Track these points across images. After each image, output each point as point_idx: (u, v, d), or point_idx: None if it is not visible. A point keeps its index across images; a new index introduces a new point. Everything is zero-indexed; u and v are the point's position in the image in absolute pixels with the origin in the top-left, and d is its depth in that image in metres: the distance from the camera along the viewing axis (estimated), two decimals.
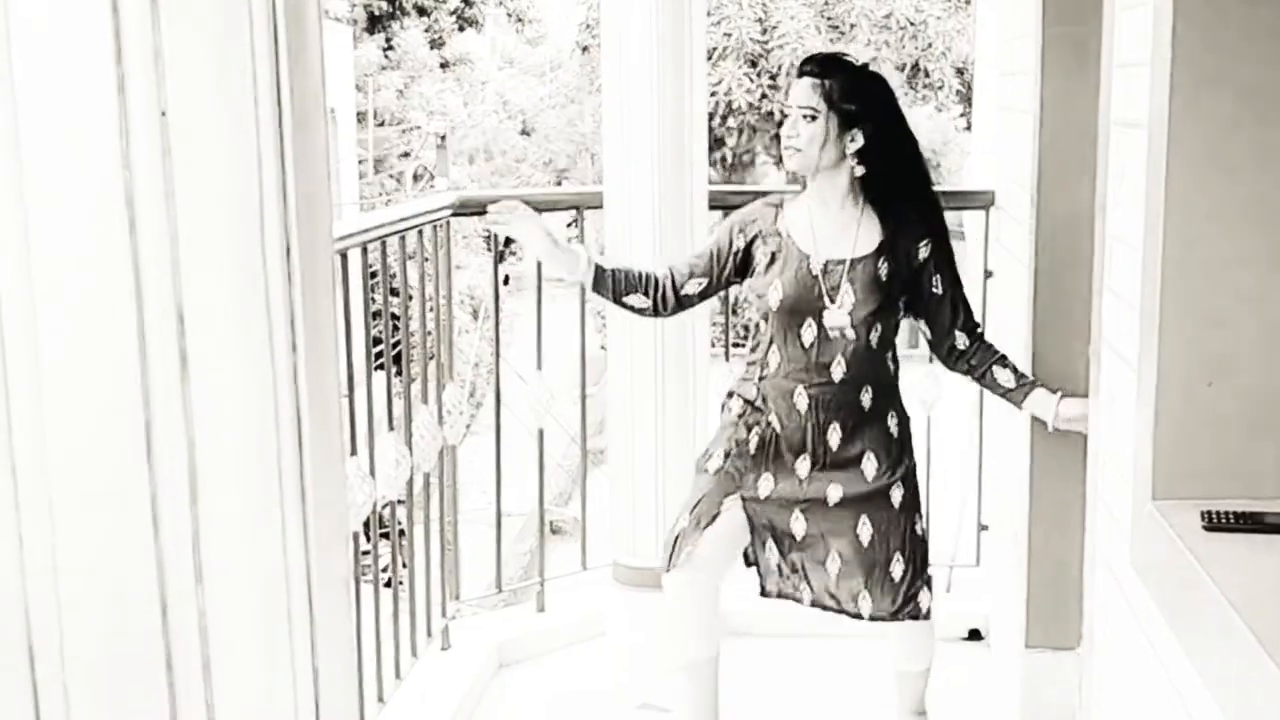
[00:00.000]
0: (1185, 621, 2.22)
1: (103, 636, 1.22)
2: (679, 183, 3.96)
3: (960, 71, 16.24)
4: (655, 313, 3.39)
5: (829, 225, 3.25)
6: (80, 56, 1.13)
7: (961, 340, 3.32)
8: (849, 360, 3.23)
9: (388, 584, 3.74)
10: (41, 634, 1.21)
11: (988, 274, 4.34)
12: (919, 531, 3.36)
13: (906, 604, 3.34)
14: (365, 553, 3.33)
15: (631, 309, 3.39)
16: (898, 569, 3.31)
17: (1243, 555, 2.17)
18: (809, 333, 3.22)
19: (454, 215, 3.96)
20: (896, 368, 3.34)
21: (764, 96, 15.53)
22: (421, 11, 23.64)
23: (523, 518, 14.61)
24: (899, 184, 3.24)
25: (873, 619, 3.37)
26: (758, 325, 3.31)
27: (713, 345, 4.32)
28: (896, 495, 3.32)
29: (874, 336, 3.23)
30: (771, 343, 3.28)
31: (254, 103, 1.18)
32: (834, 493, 3.29)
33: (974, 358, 3.34)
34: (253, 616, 1.25)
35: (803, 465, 3.29)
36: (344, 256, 3.19)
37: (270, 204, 1.19)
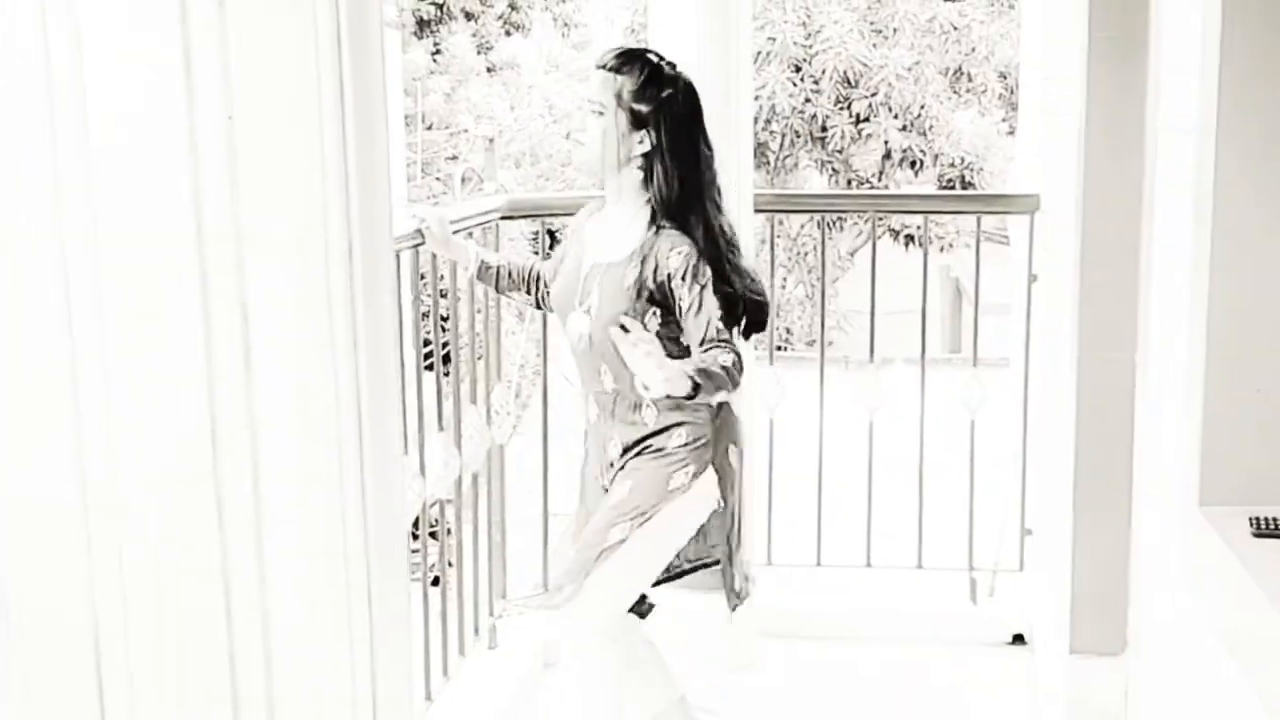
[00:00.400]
0: (1232, 627, 2.22)
1: (167, 630, 1.24)
2: (725, 186, 3.97)
3: (1003, 76, 16.18)
4: (538, 307, 3.40)
5: (609, 228, 3.11)
6: (150, 64, 1.15)
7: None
8: (614, 369, 3.03)
9: (435, 582, 3.77)
10: (107, 626, 1.23)
11: (1033, 278, 4.33)
12: (609, 537, 2.99)
13: (543, 591, 3.09)
14: (414, 551, 3.35)
15: (515, 300, 3.43)
16: (571, 553, 3.07)
17: None
18: (581, 335, 3.07)
19: (503, 219, 3.99)
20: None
21: (807, 101, 15.51)
22: (469, 17, 23.73)
23: (569, 518, 14.61)
24: (680, 195, 3.01)
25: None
26: None
27: (755, 349, 4.32)
28: (617, 491, 3.04)
29: None
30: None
31: (318, 108, 1.20)
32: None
33: None
34: (313, 611, 1.27)
35: (607, 478, 3.12)
36: (396, 257, 3.23)
37: (333, 206, 1.21)
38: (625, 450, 3.08)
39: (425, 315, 3.63)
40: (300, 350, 1.22)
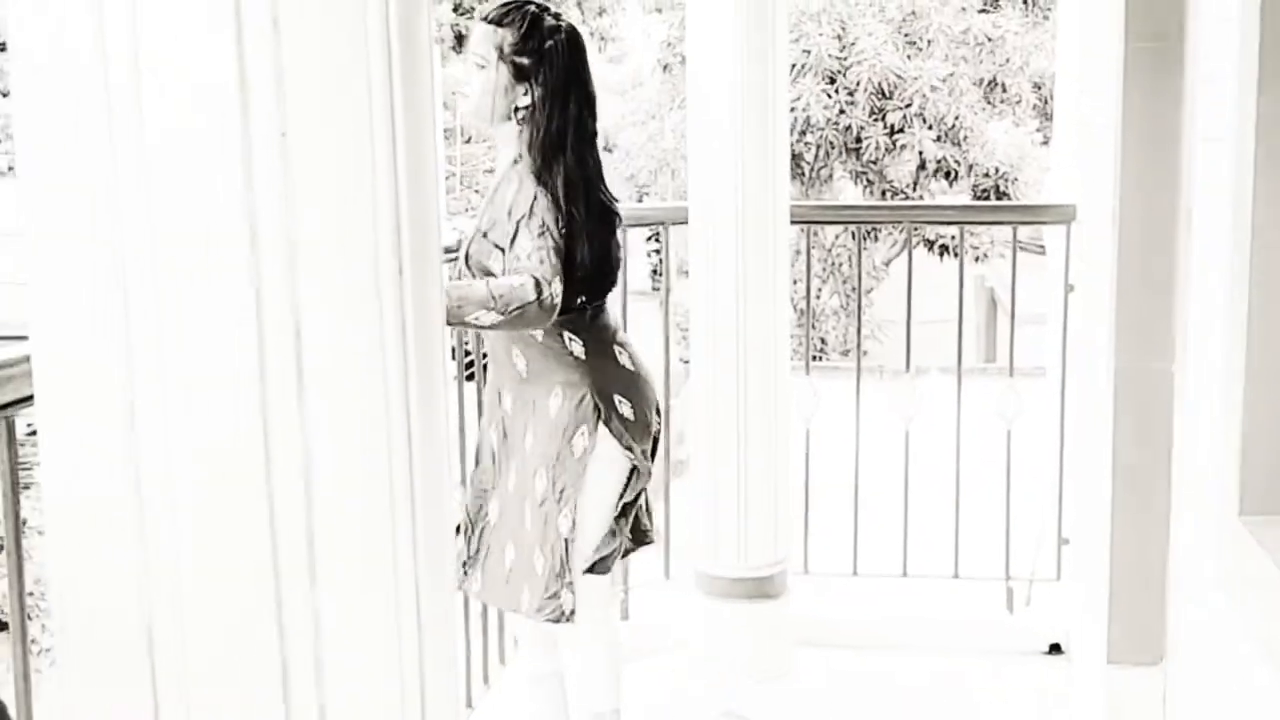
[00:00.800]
0: (1271, 636, 2.22)
1: (221, 636, 1.26)
2: (762, 198, 4.00)
3: (1037, 86, 16.13)
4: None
5: (493, 187, 3.10)
6: (206, 83, 1.17)
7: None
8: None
9: None
10: (163, 632, 1.25)
11: (1069, 289, 4.33)
12: (560, 529, 3.01)
13: (546, 604, 3.03)
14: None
15: None
16: (539, 563, 3.04)
17: None
18: None
19: None
20: (551, 335, 3.00)
21: (842, 112, 15.50)
22: None
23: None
24: (546, 143, 2.97)
25: (529, 615, 3.08)
26: None
27: (790, 357, 4.34)
28: (539, 484, 3.03)
29: None
30: None
31: (369, 124, 1.22)
32: (511, 475, 3.11)
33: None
34: (363, 618, 1.29)
35: (498, 433, 3.15)
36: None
37: (384, 222, 1.23)
38: (513, 408, 3.08)
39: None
40: (351, 360, 1.24)
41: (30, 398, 1.27)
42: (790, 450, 4.21)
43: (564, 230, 2.91)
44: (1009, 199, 15.64)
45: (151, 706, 1.26)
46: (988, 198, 15.75)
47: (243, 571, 1.24)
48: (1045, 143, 15.73)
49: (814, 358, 4.34)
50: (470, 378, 3.65)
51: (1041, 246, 5.74)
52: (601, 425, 3.01)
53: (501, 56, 2.97)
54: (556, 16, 3.04)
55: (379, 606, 1.29)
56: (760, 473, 4.08)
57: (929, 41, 15.80)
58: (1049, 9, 16.04)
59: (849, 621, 4.48)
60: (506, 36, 2.97)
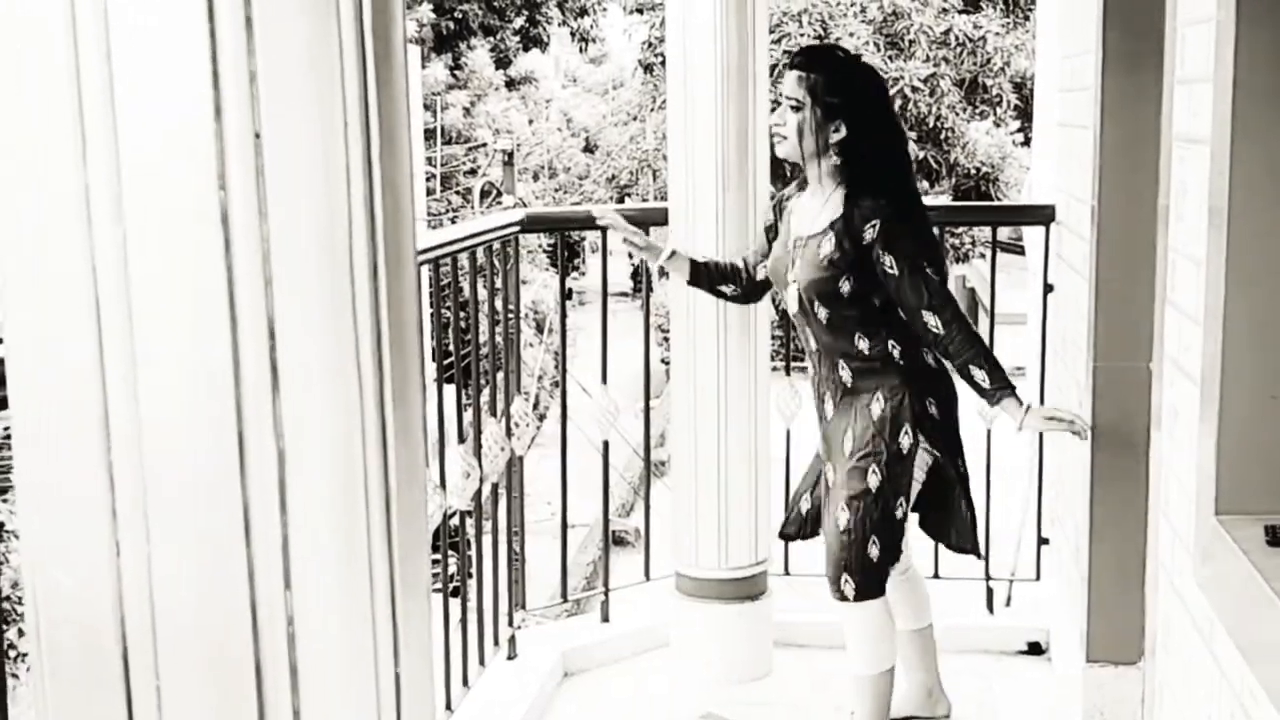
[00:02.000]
0: (1249, 636, 2.22)
1: (195, 641, 1.25)
2: (742, 197, 3.99)
3: (1018, 86, 16.16)
4: (745, 299, 3.72)
5: (810, 207, 3.41)
6: (179, 83, 1.17)
7: (933, 322, 3.28)
8: (813, 332, 3.40)
9: (455, 593, 3.78)
10: (136, 637, 1.24)
11: (1048, 288, 4.34)
12: (893, 515, 3.39)
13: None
14: (434, 562, 3.37)
15: (724, 296, 3.72)
16: (861, 550, 3.39)
17: None
18: (791, 303, 3.44)
19: (522, 231, 4.01)
20: (878, 347, 3.35)
21: None
22: (488, 31, 23.84)
23: (586, 529, 14.62)
24: (875, 174, 3.31)
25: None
26: None
27: (771, 359, 4.33)
28: (873, 479, 3.35)
29: (821, 312, 3.34)
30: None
31: (343, 124, 1.21)
32: (828, 470, 3.45)
33: (951, 345, 3.30)
34: (339, 623, 1.28)
35: (821, 441, 3.52)
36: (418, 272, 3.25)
37: (358, 222, 1.23)
38: (835, 409, 3.43)
39: (446, 328, 3.65)
40: (326, 366, 1.24)
41: (5, 401, 1.26)
42: (770, 451, 4.21)
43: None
44: (990, 199, 15.66)
45: (125, 711, 1.26)
46: (969, 198, 15.78)
47: (217, 575, 1.23)
48: (1026, 143, 15.77)
49: (794, 358, 4.34)
50: (450, 380, 3.65)
51: (1022, 247, 5.76)
52: (914, 426, 3.35)
53: (815, 99, 3.29)
54: (857, 59, 3.41)
55: (354, 609, 1.28)
56: (740, 474, 4.08)
57: (910, 42, 15.82)
58: (1029, 9, 16.08)
59: (829, 622, 4.47)
60: (819, 79, 3.29)
